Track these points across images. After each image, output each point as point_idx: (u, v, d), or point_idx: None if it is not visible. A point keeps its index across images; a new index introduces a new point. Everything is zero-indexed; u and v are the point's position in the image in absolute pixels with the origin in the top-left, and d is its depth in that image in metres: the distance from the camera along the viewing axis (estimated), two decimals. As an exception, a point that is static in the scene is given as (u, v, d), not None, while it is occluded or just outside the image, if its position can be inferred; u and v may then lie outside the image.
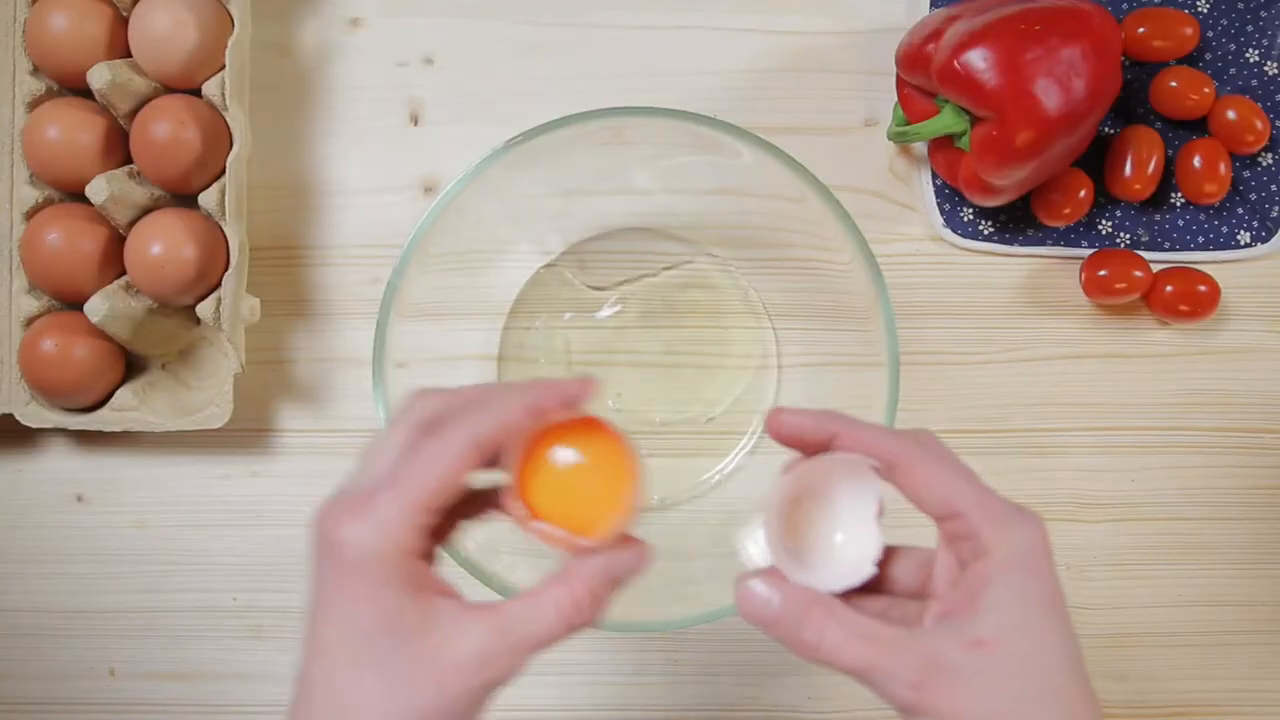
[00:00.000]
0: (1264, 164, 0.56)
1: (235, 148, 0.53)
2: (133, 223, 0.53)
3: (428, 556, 0.33)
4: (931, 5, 0.56)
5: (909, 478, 0.34)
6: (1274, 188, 0.56)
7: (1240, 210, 0.57)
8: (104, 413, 0.54)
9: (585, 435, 0.35)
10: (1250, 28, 0.56)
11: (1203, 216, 0.57)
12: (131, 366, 0.56)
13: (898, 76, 0.54)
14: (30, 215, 0.54)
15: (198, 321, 0.54)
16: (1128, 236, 0.57)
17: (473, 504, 0.36)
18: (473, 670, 0.32)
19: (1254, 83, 0.56)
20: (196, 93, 0.54)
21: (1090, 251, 0.56)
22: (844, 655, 0.32)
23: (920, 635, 0.32)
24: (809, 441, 0.35)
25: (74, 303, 0.54)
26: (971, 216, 0.57)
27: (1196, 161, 0.55)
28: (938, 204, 0.57)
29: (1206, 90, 0.55)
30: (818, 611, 0.33)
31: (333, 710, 0.32)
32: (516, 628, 0.33)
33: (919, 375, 0.56)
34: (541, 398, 0.34)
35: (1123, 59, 0.55)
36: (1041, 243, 0.57)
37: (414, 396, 0.35)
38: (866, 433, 0.34)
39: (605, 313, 0.56)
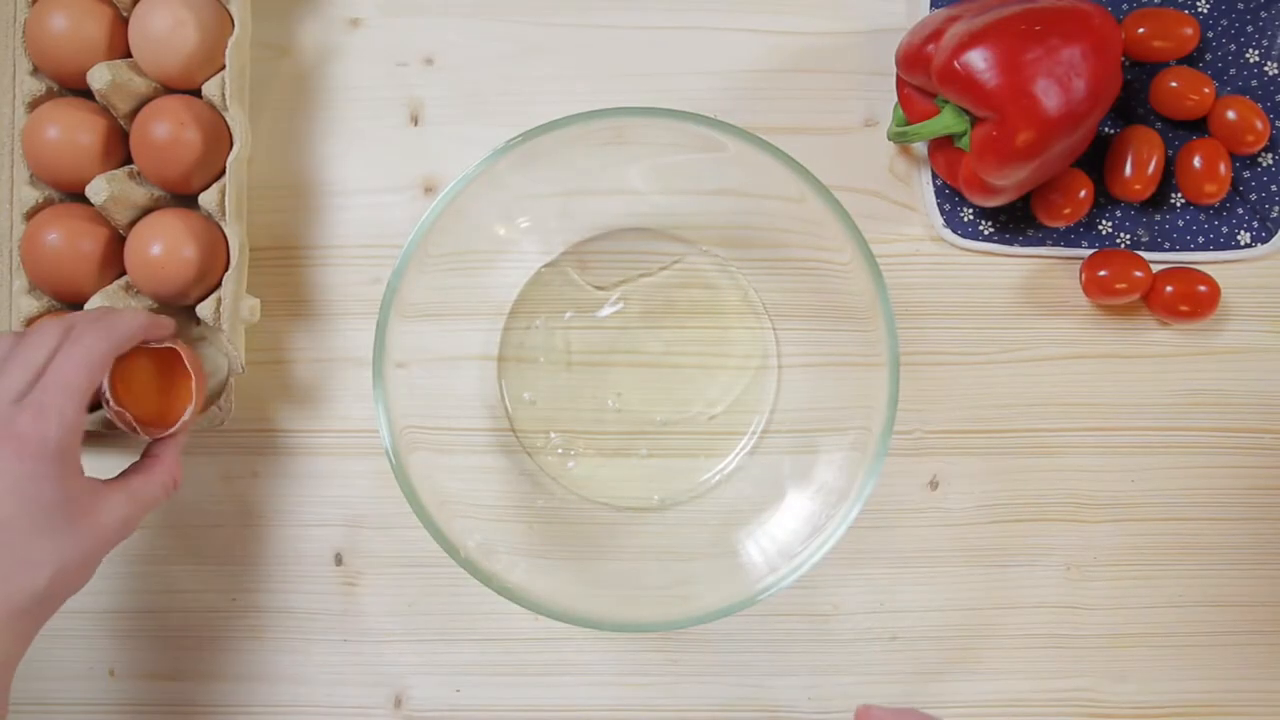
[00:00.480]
0: (1264, 164, 0.56)
1: (235, 148, 0.53)
2: (133, 223, 0.53)
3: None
4: (931, 5, 0.56)
5: None
6: (1274, 188, 0.56)
7: (1240, 210, 0.57)
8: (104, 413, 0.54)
9: (163, 357, 0.50)
10: (1250, 28, 0.56)
11: (1203, 217, 0.57)
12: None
13: (898, 76, 0.54)
14: (30, 215, 0.54)
15: (197, 321, 0.54)
16: (1128, 237, 0.57)
17: None
18: (116, 529, 0.45)
19: (1254, 83, 0.56)
20: (196, 93, 0.54)
21: (1090, 251, 0.56)
22: None
23: None
24: None
25: (74, 303, 0.54)
26: (971, 216, 0.57)
27: (1196, 161, 0.55)
28: (938, 204, 0.57)
29: (1206, 90, 0.55)
30: None
31: (16, 564, 0.42)
32: (141, 496, 0.47)
33: (919, 375, 0.56)
34: (152, 324, 0.48)
35: (1123, 59, 0.55)
36: (1041, 243, 0.57)
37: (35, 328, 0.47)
38: None
39: (606, 311, 0.56)
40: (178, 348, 0.49)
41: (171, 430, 0.50)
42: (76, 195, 0.53)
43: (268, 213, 0.57)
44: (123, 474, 0.48)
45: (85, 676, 0.56)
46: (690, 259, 0.57)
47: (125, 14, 0.54)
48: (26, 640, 0.43)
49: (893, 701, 0.56)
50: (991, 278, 0.57)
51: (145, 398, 0.50)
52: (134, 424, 0.49)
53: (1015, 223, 0.57)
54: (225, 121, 0.54)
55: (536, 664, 0.56)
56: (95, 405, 0.49)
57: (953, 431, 0.56)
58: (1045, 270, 0.57)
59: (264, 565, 0.57)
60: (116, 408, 0.49)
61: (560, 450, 0.56)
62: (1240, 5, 0.56)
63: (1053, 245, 0.57)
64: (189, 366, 0.49)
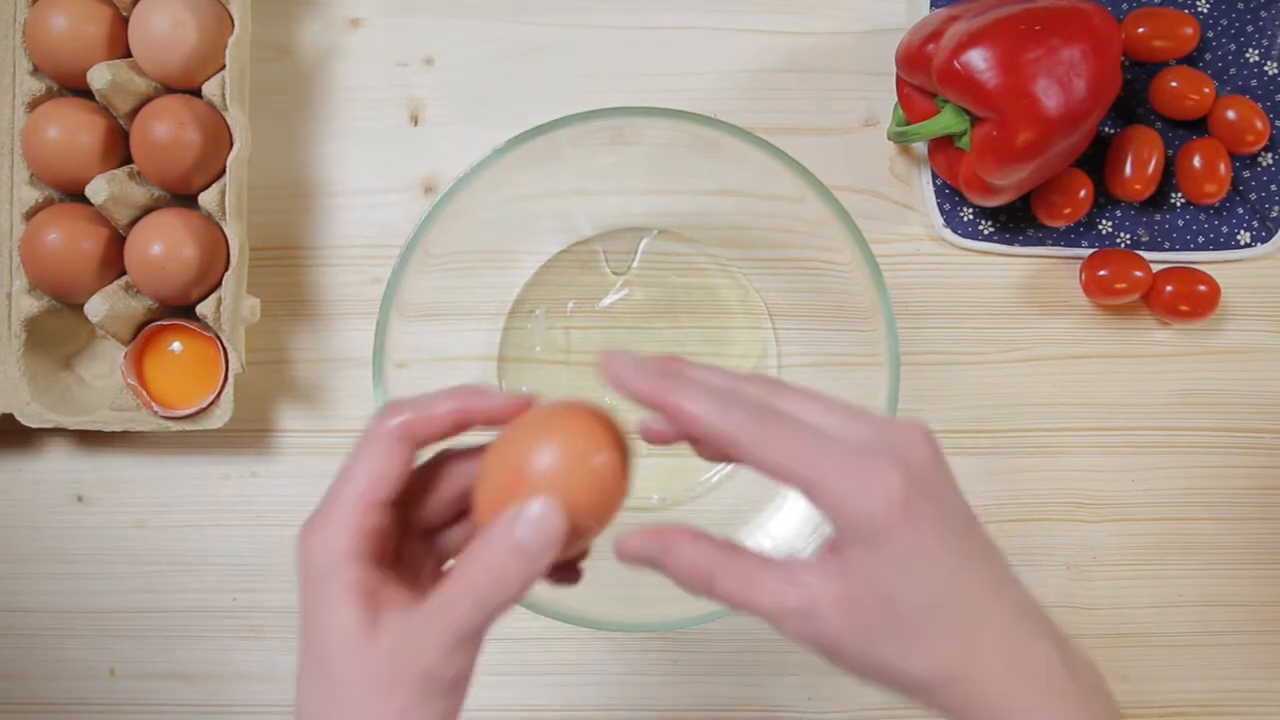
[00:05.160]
0: (1264, 164, 0.56)
1: (235, 148, 0.53)
2: (133, 223, 0.53)
3: (386, 554, 0.34)
4: (931, 5, 0.56)
5: (741, 457, 0.33)
6: (1274, 188, 0.56)
7: (1240, 210, 0.57)
8: (104, 413, 0.54)
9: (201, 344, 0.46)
10: (1250, 28, 0.56)
11: (1203, 216, 0.57)
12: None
13: (898, 76, 0.54)
14: (30, 215, 0.54)
15: (205, 324, 0.54)
16: (1128, 236, 0.57)
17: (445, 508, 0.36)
18: (403, 668, 0.31)
19: (1254, 83, 0.56)
20: (196, 93, 0.54)
21: (1090, 251, 0.56)
22: (740, 604, 0.33)
23: (801, 582, 0.33)
24: (645, 402, 0.34)
25: (74, 303, 0.54)
26: (971, 216, 0.57)
27: (1196, 161, 0.55)
28: (938, 204, 0.57)
29: (1206, 90, 0.55)
30: (717, 567, 0.33)
31: None
32: (432, 610, 0.32)
33: (919, 375, 0.56)
34: (468, 405, 0.34)
35: (1123, 59, 0.55)
36: (1041, 243, 0.57)
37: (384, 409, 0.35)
38: (694, 412, 0.33)
39: (609, 299, 0.56)
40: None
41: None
42: (76, 195, 0.53)
43: (268, 213, 0.57)
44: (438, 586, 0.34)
45: (85, 676, 0.56)
46: (690, 259, 0.57)
47: (125, 14, 0.54)
48: None
49: (891, 702, 0.56)
50: (991, 277, 0.57)
51: (169, 377, 0.51)
52: (150, 401, 0.51)
53: (1015, 222, 0.57)
54: (225, 121, 0.54)
55: (536, 664, 0.56)
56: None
57: (953, 431, 0.56)
58: (1045, 270, 0.57)
59: (264, 565, 0.57)
60: (132, 382, 0.51)
61: (560, 450, 0.56)
62: (1240, 5, 0.56)
63: (1053, 245, 0.57)
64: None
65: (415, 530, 0.36)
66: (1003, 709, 0.32)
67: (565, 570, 0.37)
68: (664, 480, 0.56)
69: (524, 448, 0.33)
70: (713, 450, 0.35)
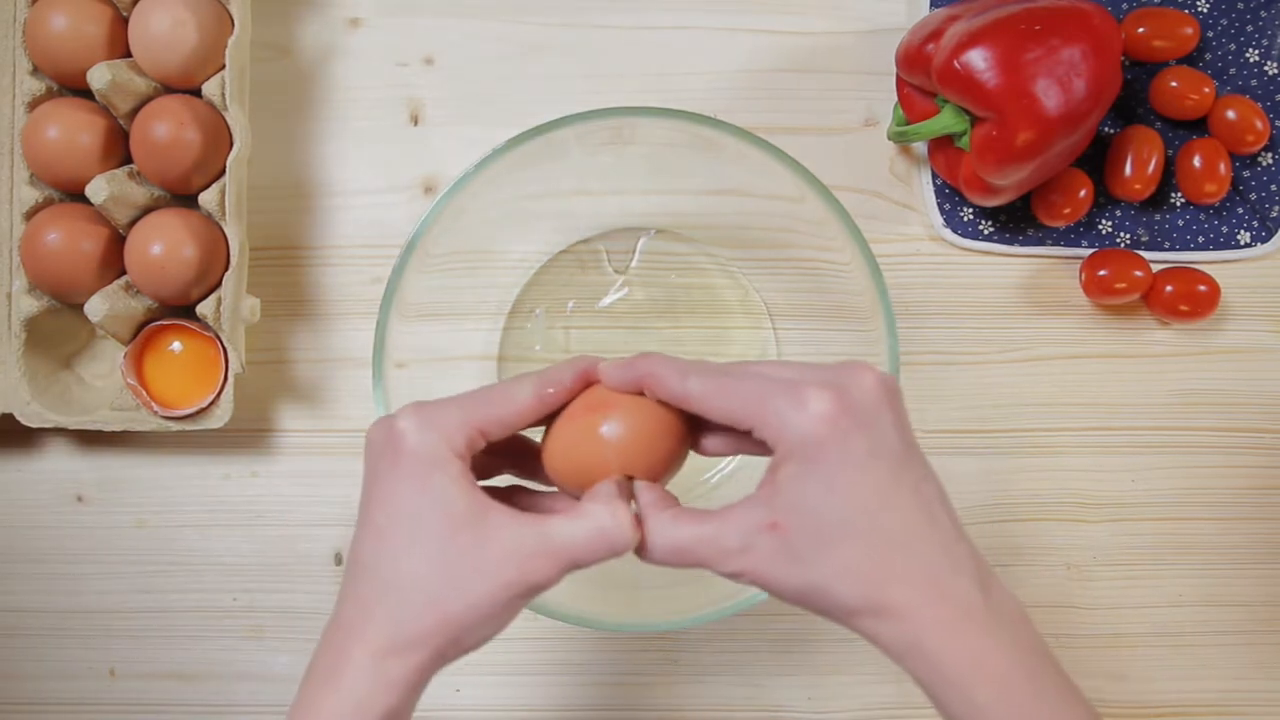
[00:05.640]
0: (1264, 164, 0.56)
1: (235, 148, 0.53)
2: (133, 223, 0.53)
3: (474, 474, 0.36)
4: (931, 5, 0.56)
5: (698, 408, 0.36)
6: (1274, 188, 0.56)
7: (1240, 210, 0.57)
8: (104, 413, 0.54)
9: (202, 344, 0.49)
10: (1250, 28, 0.56)
11: (1203, 216, 0.57)
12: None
13: (898, 76, 0.54)
14: (30, 215, 0.54)
15: (205, 324, 0.54)
16: (1128, 236, 0.57)
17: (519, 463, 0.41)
18: (514, 566, 0.34)
19: (1254, 83, 0.56)
20: (196, 93, 0.54)
21: (1090, 251, 0.56)
22: (679, 559, 0.36)
23: (734, 520, 0.35)
24: (628, 393, 0.38)
25: (74, 303, 0.54)
26: (971, 216, 0.57)
27: (1196, 161, 0.55)
28: (938, 204, 0.57)
29: (1206, 90, 0.55)
30: (622, 516, 0.36)
31: (380, 588, 0.35)
32: (557, 534, 0.35)
33: (919, 375, 0.56)
34: (587, 366, 0.39)
35: (1123, 59, 0.55)
36: (1041, 243, 0.57)
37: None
38: (662, 386, 0.37)
39: (610, 299, 0.56)
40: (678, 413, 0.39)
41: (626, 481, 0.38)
42: (76, 195, 0.53)
43: (268, 213, 0.57)
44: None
45: (85, 676, 0.56)
46: (690, 259, 0.57)
47: (125, 14, 0.54)
48: (398, 689, 0.35)
49: (891, 702, 0.56)
50: (991, 277, 0.57)
51: (169, 377, 0.51)
52: (150, 401, 0.52)
53: (1015, 222, 0.57)
54: (225, 121, 0.54)
55: (536, 664, 0.56)
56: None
57: (953, 431, 0.56)
58: (1045, 270, 0.57)
59: (264, 565, 0.57)
60: (131, 382, 0.51)
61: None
62: (1240, 5, 0.56)
63: (1053, 245, 0.57)
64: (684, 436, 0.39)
65: None
66: (921, 640, 0.33)
67: None
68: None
69: (614, 416, 0.38)
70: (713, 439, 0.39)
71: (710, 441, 0.39)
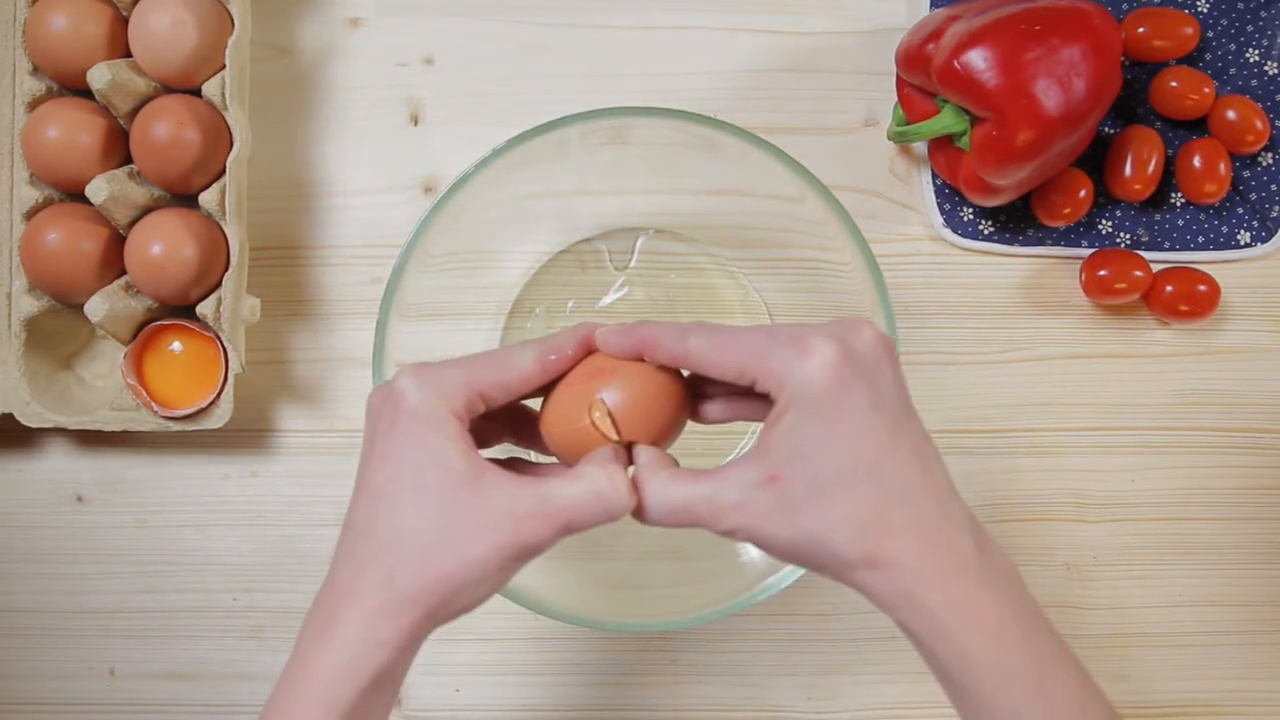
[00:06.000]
0: (1264, 164, 0.56)
1: (235, 148, 0.53)
2: (133, 223, 0.53)
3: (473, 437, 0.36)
4: (931, 5, 0.56)
5: (698, 365, 0.36)
6: (1274, 188, 0.56)
7: (1240, 210, 0.57)
8: (104, 413, 0.54)
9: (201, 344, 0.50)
10: (1250, 28, 0.56)
11: (1203, 216, 0.57)
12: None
13: (898, 76, 0.54)
14: (30, 215, 0.54)
15: (205, 324, 0.54)
16: (1128, 236, 0.57)
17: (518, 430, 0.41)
18: (509, 526, 0.34)
19: (1254, 83, 0.56)
20: (196, 93, 0.54)
21: (1090, 251, 0.56)
22: (675, 517, 0.36)
23: (730, 478, 0.35)
24: (627, 358, 0.39)
25: (74, 303, 0.54)
26: (971, 216, 0.57)
27: (1196, 161, 0.55)
28: (938, 204, 0.57)
29: (1206, 90, 0.55)
30: (619, 477, 0.36)
31: (375, 547, 0.35)
32: (553, 496, 0.35)
33: (919, 375, 0.56)
34: (588, 333, 0.39)
35: (1123, 59, 0.55)
36: (1041, 243, 0.57)
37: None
38: (660, 349, 0.37)
39: (609, 299, 0.56)
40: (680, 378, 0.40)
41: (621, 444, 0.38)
42: (76, 195, 0.53)
43: (268, 213, 0.57)
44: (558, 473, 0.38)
45: (85, 676, 0.56)
46: (690, 258, 0.57)
47: (125, 14, 0.54)
48: (390, 648, 0.34)
49: (891, 702, 0.56)
50: (991, 277, 0.57)
51: (169, 377, 0.51)
52: (150, 401, 0.52)
53: (1015, 222, 0.57)
54: (225, 121, 0.54)
55: (536, 664, 0.56)
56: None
57: (953, 431, 0.56)
58: (1045, 270, 0.57)
59: (264, 565, 0.57)
60: (131, 382, 0.52)
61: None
62: (1240, 5, 0.56)
63: (1053, 245, 0.57)
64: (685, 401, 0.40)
65: None
66: (916, 590, 0.33)
67: None
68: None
69: (613, 381, 0.38)
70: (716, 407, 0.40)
71: (711, 408, 0.40)
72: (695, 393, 0.40)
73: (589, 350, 0.39)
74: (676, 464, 0.38)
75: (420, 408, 0.35)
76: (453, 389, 0.35)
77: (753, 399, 0.38)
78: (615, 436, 0.37)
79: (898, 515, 0.34)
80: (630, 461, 0.38)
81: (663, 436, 0.39)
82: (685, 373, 0.39)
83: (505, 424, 0.41)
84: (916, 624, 0.34)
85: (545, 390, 0.39)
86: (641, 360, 0.38)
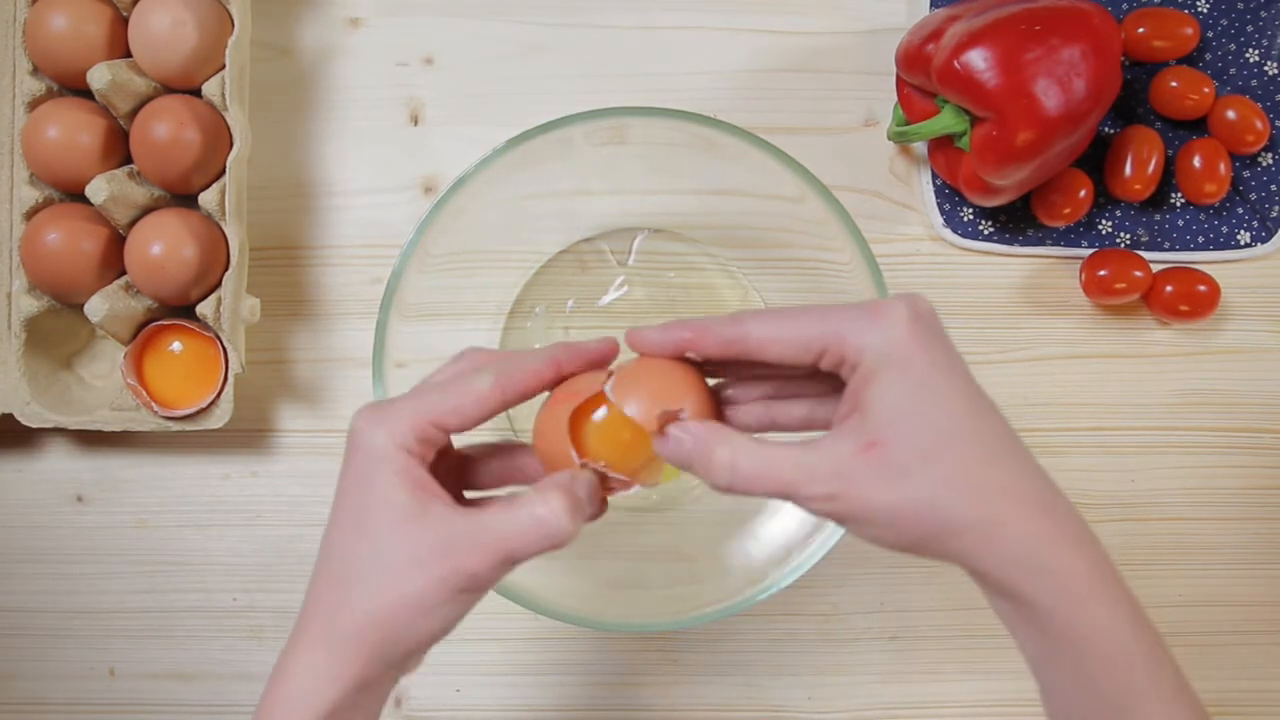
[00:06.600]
0: (1264, 164, 0.56)
1: (235, 148, 0.53)
2: (133, 223, 0.53)
3: (433, 470, 0.36)
4: (931, 5, 0.56)
5: (757, 346, 0.35)
6: (1274, 188, 0.56)
7: (1240, 210, 0.57)
8: (104, 413, 0.54)
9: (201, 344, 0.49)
10: (1250, 28, 0.56)
11: (1203, 216, 0.57)
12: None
13: (898, 76, 0.54)
14: (30, 215, 0.54)
15: (205, 324, 0.54)
16: (1128, 236, 0.57)
17: (496, 471, 0.40)
18: (449, 556, 0.34)
19: (1254, 83, 0.56)
20: (196, 93, 0.54)
21: (1090, 251, 0.56)
22: (761, 482, 0.34)
23: (823, 449, 0.33)
24: (668, 354, 0.37)
25: (74, 303, 0.54)
26: (971, 216, 0.57)
27: (1196, 161, 0.55)
28: (938, 204, 0.57)
29: (1206, 90, 0.55)
30: (723, 449, 0.34)
31: (326, 582, 0.35)
32: (492, 526, 0.34)
33: (919, 375, 0.56)
34: (561, 354, 0.37)
35: (1123, 59, 0.55)
36: (1041, 243, 0.57)
37: (464, 351, 0.39)
38: (708, 337, 0.36)
39: (609, 297, 0.56)
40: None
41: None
42: (76, 195, 0.53)
43: (268, 213, 0.57)
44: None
45: (85, 676, 0.56)
46: (690, 258, 0.57)
47: (125, 14, 0.54)
48: (338, 685, 0.34)
49: (891, 702, 0.56)
50: (991, 277, 0.57)
51: (169, 377, 0.51)
52: (150, 401, 0.52)
53: (1015, 222, 0.57)
54: (225, 121, 0.54)
55: (536, 664, 0.56)
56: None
57: (953, 431, 0.56)
58: (1045, 270, 0.57)
59: (264, 565, 0.57)
60: (131, 382, 0.52)
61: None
62: (1240, 5, 0.56)
63: (1053, 245, 0.57)
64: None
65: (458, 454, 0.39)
66: (1037, 554, 0.32)
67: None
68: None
69: (583, 415, 0.37)
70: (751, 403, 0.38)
71: (743, 415, 0.38)
72: (721, 399, 0.38)
73: (560, 370, 0.37)
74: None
75: (371, 447, 0.35)
76: (403, 423, 0.35)
77: (787, 400, 0.38)
78: (575, 460, 0.36)
79: (1004, 475, 0.33)
80: (606, 485, 0.37)
81: (633, 464, 0.37)
82: (680, 410, 0.36)
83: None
84: (1036, 589, 0.32)
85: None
86: (683, 359, 0.37)
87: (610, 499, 0.38)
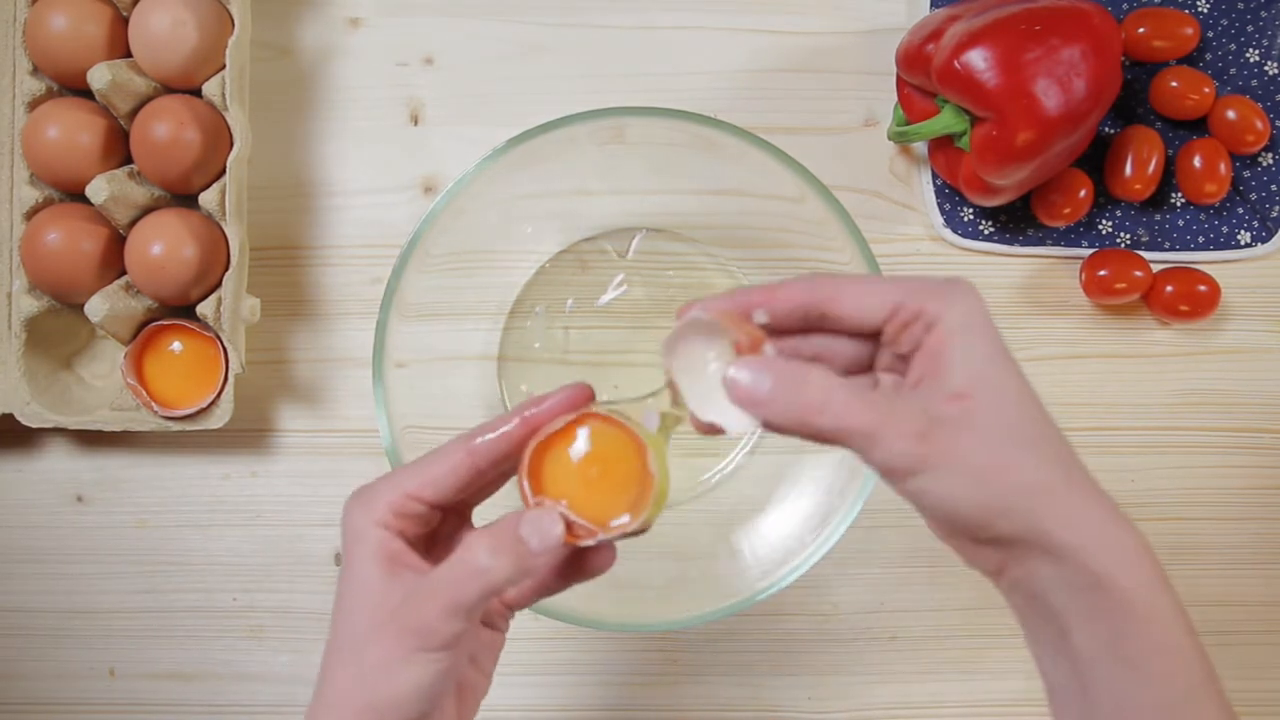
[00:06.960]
0: (1264, 164, 0.56)
1: (235, 148, 0.53)
2: (133, 223, 0.53)
3: (416, 532, 0.37)
4: (931, 5, 0.56)
5: (841, 304, 0.34)
6: (1274, 188, 0.56)
7: (1240, 210, 0.57)
8: (104, 413, 0.54)
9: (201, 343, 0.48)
10: (1250, 28, 0.56)
11: (1203, 216, 0.57)
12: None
13: (898, 76, 0.54)
14: (30, 215, 0.54)
15: (205, 324, 0.54)
16: (1128, 236, 0.57)
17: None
18: (398, 615, 0.34)
19: (1254, 83, 0.56)
20: (196, 93, 0.54)
21: (1090, 251, 0.56)
22: (851, 415, 0.32)
23: (906, 397, 0.33)
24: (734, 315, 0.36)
25: (74, 303, 0.54)
26: (971, 216, 0.57)
27: (1196, 161, 0.55)
28: (938, 204, 0.57)
29: (1206, 90, 0.55)
30: (817, 375, 0.33)
31: (326, 652, 0.36)
32: (436, 577, 0.34)
33: (919, 375, 0.56)
34: (529, 408, 0.37)
35: (1123, 59, 0.55)
36: (1041, 243, 0.57)
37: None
38: (785, 291, 0.35)
39: (609, 296, 0.56)
40: (637, 436, 0.37)
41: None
42: (76, 195, 0.53)
43: (268, 213, 0.57)
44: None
45: (85, 676, 0.56)
46: (690, 258, 0.57)
47: (125, 14, 0.54)
48: None
49: (891, 702, 0.56)
50: (991, 277, 0.57)
51: (169, 377, 0.52)
52: (150, 401, 0.52)
53: (1015, 222, 0.57)
54: (225, 121, 0.54)
55: (536, 664, 0.56)
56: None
57: (953, 431, 0.56)
58: (1045, 270, 0.57)
59: (264, 565, 0.57)
60: (131, 382, 0.52)
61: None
62: (1240, 5, 0.56)
63: (1053, 245, 0.57)
64: (650, 467, 0.37)
65: (461, 509, 0.39)
66: (1108, 523, 0.34)
67: (599, 554, 0.39)
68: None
69: (547, 452, 0.36)
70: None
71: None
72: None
73: (527, 425, 0.36)
74: None
75: (353, 529, 0.36)
76: (378, 501, 0.36)
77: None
78: (530, 498, 0.36)
79: (1068, 451, 0.33)
80: (572, 531, 0.35)
81: (602, 504, 0.36)
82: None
83: None
84: (1111, 564, 0.33)
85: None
86: (747, 320, 0.35)
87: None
